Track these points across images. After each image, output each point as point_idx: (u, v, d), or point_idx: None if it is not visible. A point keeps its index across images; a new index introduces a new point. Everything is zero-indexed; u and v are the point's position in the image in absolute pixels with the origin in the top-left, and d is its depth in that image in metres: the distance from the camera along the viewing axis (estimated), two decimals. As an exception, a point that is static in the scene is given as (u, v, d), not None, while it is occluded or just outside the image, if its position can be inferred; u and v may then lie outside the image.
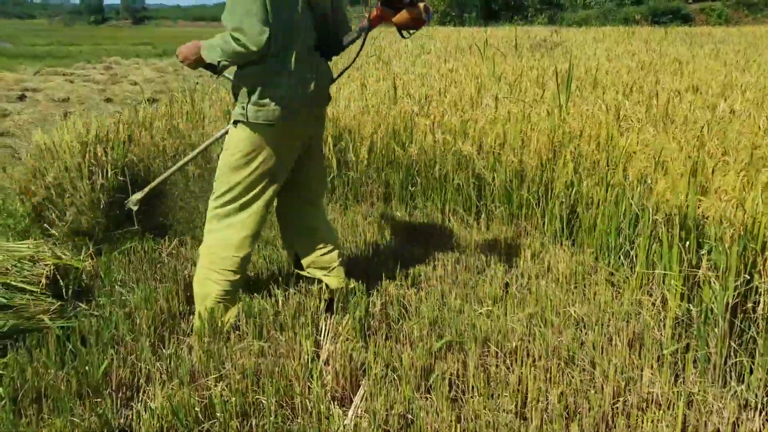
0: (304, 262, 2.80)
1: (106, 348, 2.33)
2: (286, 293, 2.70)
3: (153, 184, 3.16)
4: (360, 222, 3.84)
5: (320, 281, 2.78)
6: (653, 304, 2.66)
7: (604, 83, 5.81)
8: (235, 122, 2.48)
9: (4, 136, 7.70)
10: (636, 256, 2.92)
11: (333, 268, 2.78)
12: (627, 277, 2.94)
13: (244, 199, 2.50)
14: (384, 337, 2.51)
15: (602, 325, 2.61)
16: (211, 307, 2.51)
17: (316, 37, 2.58)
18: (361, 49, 2.74)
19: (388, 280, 2.98)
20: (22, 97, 11.06)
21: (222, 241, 2.52)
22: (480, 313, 2.66)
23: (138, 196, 3.12)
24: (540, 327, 2.55)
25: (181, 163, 3.11)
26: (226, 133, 2.61)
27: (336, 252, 2.79)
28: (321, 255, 2.77)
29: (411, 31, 2.59)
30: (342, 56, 2.87)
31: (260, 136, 2.45)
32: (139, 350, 2.33)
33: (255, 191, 2.51)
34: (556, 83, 4.54)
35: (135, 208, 3.12)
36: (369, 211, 4.09)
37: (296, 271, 2.86)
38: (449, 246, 3.47)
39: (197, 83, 11.81)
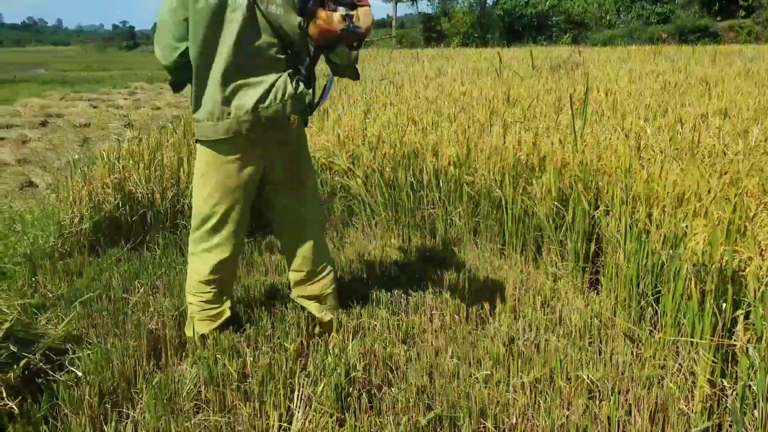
0: (294, 290, 2.72)
1: (38, 426, 2.03)
2: (256, 353, 2.38)
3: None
4: (353, 256, 3.53)
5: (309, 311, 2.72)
6: (679, 369, 2.29)
7: (625, 107, 5.44)
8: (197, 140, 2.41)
9: (21, 163, 7.59)
10: (660, 313, 2.54)
11: (322, 298, 2.69)
12: (650, 333, 2.57)
13: (212, 222, 2.43)
14: (364, 408, 2.17)
15: (620, 392, 2.25)
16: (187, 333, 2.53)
17: (279, 51, 2.32)
18: (328, 85, 2.50)
19: (376, 332, 2.65)
20: (44, 123, 11.05)
21: (193, 267, 2.52)
22: (476, 378, 2.30)
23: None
24: (546, 396, 2.20)
25: None
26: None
27: (321, 283, 2.68)
28: (308, 284, 2.67)
29: (329, 51, 2.29)
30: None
31: (209, 154, 2.35)
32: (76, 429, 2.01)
33: (219, 214, 2.41)
34: (571, 108, 4.20)
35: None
36: (369, 243, 3.77)
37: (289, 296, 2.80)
38: (451, 287, 3.13)
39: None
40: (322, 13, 2.10)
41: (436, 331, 2.71)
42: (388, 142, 4.47)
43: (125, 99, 14.96)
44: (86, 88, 17.67)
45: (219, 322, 2.54)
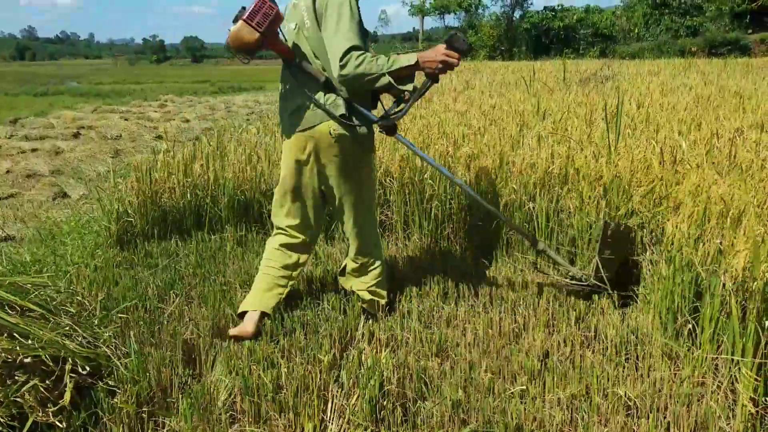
0: (346, 275, 3.12)
1: (78, 433, 2.06)
2: (290, 364, 2.39)
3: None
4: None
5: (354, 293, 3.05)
6: (719, 387, 2.24)
7: (658, 120, 5.37)
8: None
9: (54, 174, 7.73)
10: (699, 330, 2.49)
11: (367, 286, 3.00)
12: (688, 350, 2.52)
13: (275, 210, 3.00)
14: (399, 422, 2.16)
15: (658, 410, 2.21)
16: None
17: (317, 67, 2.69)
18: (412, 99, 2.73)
19: (409, 345, 2.64)
20: (77, 135, 11.24)
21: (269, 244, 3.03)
22: (512, 393, 2.28)
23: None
24: (584, 413, 2.17)
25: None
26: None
27: (371, 274, 3.00)
28: (358, 274, 3.03)
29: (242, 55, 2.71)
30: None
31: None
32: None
33: (283, 206, 2.94)
34: (606, 121, 4.17)
35: None
36: (400, 255, 3.77)
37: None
38: (483, 301, 3.11)
39: (247, 120, 11.89)
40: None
41: (469, 344, 2.69)
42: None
43: (156, 111, 15.18)
44: (117, 101, 17.98)
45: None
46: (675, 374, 2.44)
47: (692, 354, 2.49)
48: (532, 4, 67.42)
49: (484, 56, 39.56)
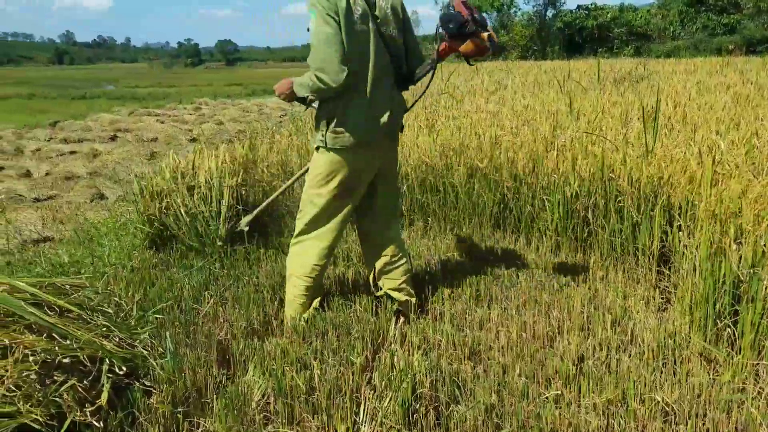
0: (378, 275, 3.05)
1: (115, 432, 2.09)
2: (323, 366, 2.39)
3: (261, 207, 3.81)
4: (417, 269, 3.52)
5: (389, 296, 3.03)
6: (760, 393, 2.18)
7: (695, 120, 5.27)
8: (317, 147, 2.79)
9: (92, 176, 7.89)
10: (739, 334, 2.44)
11: (401, 283, 3.02)
12: (728, 355, 2.46)
13: (324, 215, 2.84)
14: (431, 425, 2.15)
15: (697, 416, 2.16)
16: (289, 312, 2.90)
17: (393, 69, 2.82)
18: (430, 81, 2.96)
19: (441, 348, 2.63)
20: (114, 137, 11.47)
21: (303, 251, 2.89)
22: (547, 398, 2.26)
23: (248, 218, 3.82)
24: (620, 418, 2.13)
25: (282, 188, 3.68)
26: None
27: (402, 268, 3.03)
28: (390, 269, 3.02)
29: (478, 59, 2.78)
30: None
31: (337, 159, 2.74)
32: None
33: (333, 208, 2.84)
34: (642, 120, 4.10)
35: (246, 229, 3.83)
36: (432, 258, 3.76)
37: (373, 292, 3.12)
38: (517, 303, 3.08)
39: (280, 122, 12.00)
40: (484, 34, 2.63)
41: (502, 348, 2.66)
42: (452, 155, 4.48)
43: (190, 114, 15.41)
44: (153, 104, 18.28)
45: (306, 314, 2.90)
46: (714, 380, 2.39)
47: (732, 359, 2.44)
48: (565, 3, 66.60)
49: (517, 56, 39.28)
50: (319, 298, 2.96)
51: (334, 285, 3.37)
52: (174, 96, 21.79)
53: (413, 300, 3.05)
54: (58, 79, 41.15)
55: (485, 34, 2.63)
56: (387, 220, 3.05)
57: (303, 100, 2.80)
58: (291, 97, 2.78)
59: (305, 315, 2.87)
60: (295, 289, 2.90)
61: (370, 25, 2.69)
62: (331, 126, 2.70)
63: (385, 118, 2.77)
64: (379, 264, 3.03)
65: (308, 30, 2.59)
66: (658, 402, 2.21)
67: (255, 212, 3.84)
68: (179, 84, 31.57)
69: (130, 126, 12.92)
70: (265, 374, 2.38)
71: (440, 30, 2.70)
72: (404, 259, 3.07)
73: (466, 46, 2.67)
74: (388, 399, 2.20)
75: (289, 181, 3.66)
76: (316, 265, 2.87)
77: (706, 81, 10.02)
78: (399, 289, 3.02)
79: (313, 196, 2.83)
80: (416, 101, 3.18)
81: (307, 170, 3.10)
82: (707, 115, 5.52)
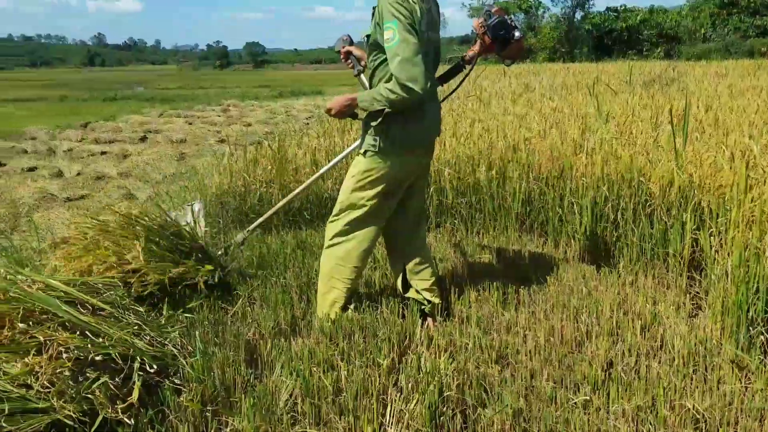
0: (410, 274, 3.08)
1: (145, 430, 2.12)
2: (350, 367, 2.40)
3: (259, 221, 3.73)
4: (444, 272, 3.51)
5: (417, 299, 3.07)
6: (795, 402, 2.14)
7: (727, 124, 5.19)
8: (365, 152, 2.81)
9: (122, 176, 8.01)
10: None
11: (432, 284, 3.07)
12: (761, 362, 2.42)
13: (366, 217, 2.87)
14: (458, 428, 2.15)
15: (728, 424, 2.13)
16: (327, 313, 2.90)
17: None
18: (462, 82, 3.07)
19: (468, 351, 2.62)
20: (143, 138, 11.63)
21: (345, 253, 2.90)
22: (575, 403, 2.24)
23: (242, 235, 3.71)
24: (650, 425, 2.11)
25: (284, 200, 3.65)
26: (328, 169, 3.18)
27: (431, 269, 3.08)
28: (420, 269, 3.06)
29: (515, 61, 2.95)
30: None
31: (388, 164, 2.78)
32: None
33: (377, 211, 2.88)
34: (671, 123, 4.04)
35: (242, 247, 3.71)
36: (458, 261, 3.75)
37: (401, 293, 3.14)
38: (545, 308, 3.06)
39: (307, 123, 12.06)
40: (522, 39, 2.83)
41: (530, 352, 2.65)
42: (479, 158, 4.47)
43: (219, 116, 15.57)
44: (182, 105, 18.50)
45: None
46: (746, 387, 2.35)
47: (765, 367, 2.39)
48: (593, 4, 65.93)
49: (544, 58, 39.00)
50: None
51: (360, 287, 3.38)
52: (202, 98, 22.02)
53: (439, 302, 3.06)
54: (89, 80, 41.84)
55: (522, 39, 2.82)
56: (418, 222, 3.12)
57: (354, 115, 2.84)
58: (347, 113, 2.80)
59: (333, 315, 2.89)
60: (335, 292, 2.92)
61: (431, 33, 2.76)
62: (388, 132, 2.74)
63: (434, 126, 2.90)
64: (410, 264, 3.06)
65: (387, 41, 2.57)
66: (689, 409, 2.18)
67: (252, 226, 3.81)
68: (208, 86, 31.89)
69: (160, 127, 13.09)
70: (293, 374, 2.39)
71: (488, 35, 2.82)
72: (431, 261, 3.11)
73: (510, 50, 2.86)
74: (414, 401, 2.20)
75: (286, 198, 3.65)
76: (356, 267, 2.91)
77: (738, 84, 9.86)
78: (430, 290, 3.05)
79: (358, 199, 2.85)
80: (443, 100, 3.15)
81: (305, 188, 3.23)
82: (740, 119, 5.44)
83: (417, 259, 3.06)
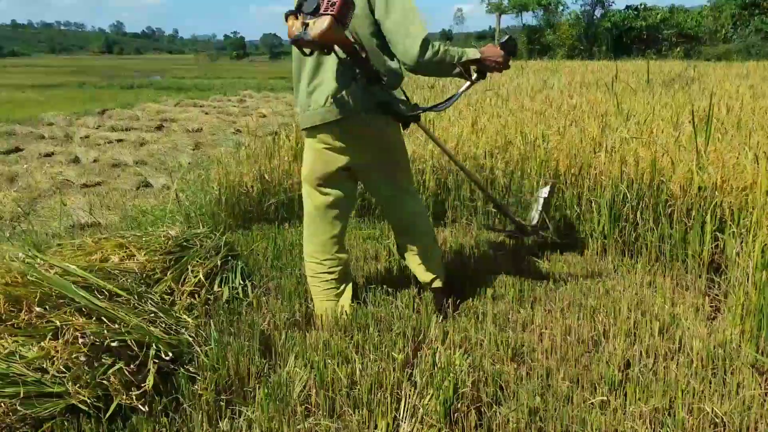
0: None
1: (159, 417, 2.12)
2: (364, 360, 2.39)
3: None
4: (458, 270, 3.48)
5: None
6: (817, 409, 2.11)
7: (750, 125, 5.12)
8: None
9: (138, 164, 8.04)
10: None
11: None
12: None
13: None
14: (473, 425, 2.13)
15: (748, 429, 2.09)
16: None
17: None
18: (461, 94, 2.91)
19: (483, 348, 2.60)
20: (160, 127, 11.66)
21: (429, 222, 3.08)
22: (592, 403, 2.21)
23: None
24: (667, 428, 2.08)
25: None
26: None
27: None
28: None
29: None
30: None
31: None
32: (194, 424, 2.09)
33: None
34: (693, 123, 3.99)
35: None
36: (471, 258, 3.72)
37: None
38: (561, 306, 3.03)
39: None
40: (289, 21, 2.40)
41: (546, 350, 2.62)
42: (497, 153, 4.43)
43: (235, 106, 15.58)
44: (199, 95, 18.52)
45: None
46: (767, 393, 2.31)
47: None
48: (614, 2, 65.44)
49: (562, 55, 38.69)
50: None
51: (374, 281, 3.37)
52: (218, 88, 22.02)
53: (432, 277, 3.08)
54: (107, 68, 42.05)
55: (294, 22, 2.43)
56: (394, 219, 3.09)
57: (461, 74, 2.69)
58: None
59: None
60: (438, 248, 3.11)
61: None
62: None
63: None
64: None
65: None
66: (708, 413, 2.15)
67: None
68: (224, 76, 31.91)
69: (176, 116, 13.12)
70: (307, 366, 2.39)
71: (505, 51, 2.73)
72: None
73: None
74: (429, 396, 2.19)
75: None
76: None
77: (761, 86, 9.73)
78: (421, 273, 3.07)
79: (407, 162, 2.98)
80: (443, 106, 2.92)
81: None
82: (762, 120, 5.36)
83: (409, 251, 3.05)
